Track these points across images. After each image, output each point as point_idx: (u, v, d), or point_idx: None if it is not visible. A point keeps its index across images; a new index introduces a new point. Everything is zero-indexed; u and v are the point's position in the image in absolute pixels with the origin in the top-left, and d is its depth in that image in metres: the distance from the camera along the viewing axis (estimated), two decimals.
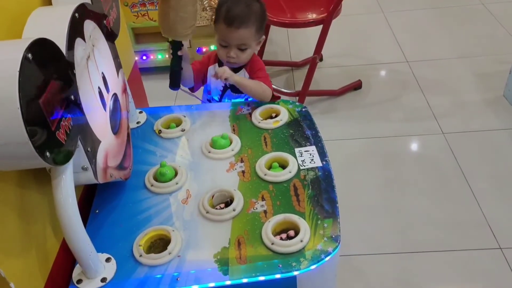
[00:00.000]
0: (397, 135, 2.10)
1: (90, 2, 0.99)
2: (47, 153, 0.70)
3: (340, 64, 2.66)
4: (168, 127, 1.30)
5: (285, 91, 2.34)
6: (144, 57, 2.53)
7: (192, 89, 1.46)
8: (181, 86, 1.37)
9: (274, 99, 1.39)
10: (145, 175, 1.13)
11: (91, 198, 1.10)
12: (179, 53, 1.27)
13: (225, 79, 1.29)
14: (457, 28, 2.89)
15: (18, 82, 0.62)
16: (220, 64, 1.42)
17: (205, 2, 2.31)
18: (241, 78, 1.33)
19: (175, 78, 1.32)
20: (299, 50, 2.78)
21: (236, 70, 1.40)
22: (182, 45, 1.27)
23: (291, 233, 0.95)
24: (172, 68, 1.30)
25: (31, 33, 0.81)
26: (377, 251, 1.60)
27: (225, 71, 1.29)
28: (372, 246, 1.62)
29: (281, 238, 0.95)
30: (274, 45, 2.84)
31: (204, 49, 2.50)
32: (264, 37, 1.41)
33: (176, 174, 1.12)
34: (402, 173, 1.90)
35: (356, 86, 2.42)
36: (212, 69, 1.43)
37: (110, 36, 1.13)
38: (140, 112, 1.35)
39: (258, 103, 1.35)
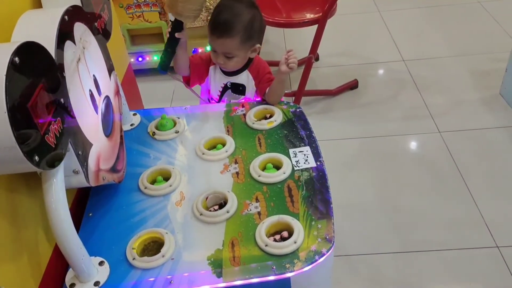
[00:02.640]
0: (394, 134, 2.10)
1: (80, 4, 0.99)
2: (36, 157, 0.69)
3: (337, 63, 2.66)
4: None
5: None
6: (140, 59, 2.52)
7: (188, 82, 1.43)
8: (172, 73, 1.35)
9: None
10: (139, 177, 1.13)
11: (84, 201, 1.10)
12: (177, 35, 1.25)
13: (291, 67, 1.27)
14: (453, 27, 2.89)
15: (4, 87, 0.62)
16: None
17: None
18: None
19: (165, 60, 1.29)
20: (295, 50, 2.74)
21: (238, 71, 1.39)
22: (183, 28, 1.25)
23: (285, 234, 0.95)
24: (165, 49, 1.28)
25: (20, 37, 0.81)
26: (374, 251, 1.59)
27: (296, 62, 1.27)
28: (368, 245, 1.61)
29: (274, 240, 0.94)
30: (270, 45, 2.84)
31: (200, 50, 2.49)
32: (259, 45, 1.37)
33: (170, 175, 1.12)
34: (398, 173, 1.90)
35: (353, 85, 2.42)
36: (213, 69, 1.42)
37: (102, 38, 1.12)
38: (134, 114, 1.35)
39: (252, 104, 1.35)
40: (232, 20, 1.27)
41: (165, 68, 1.31)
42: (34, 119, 0.69)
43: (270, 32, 2.73)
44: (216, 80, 1.43)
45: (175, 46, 1.28)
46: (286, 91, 2.34)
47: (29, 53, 0.70)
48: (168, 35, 1.26)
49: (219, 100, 1.45)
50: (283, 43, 2.88)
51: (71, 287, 0.90)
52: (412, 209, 1.73)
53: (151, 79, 2.45)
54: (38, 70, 0.73)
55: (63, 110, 0.80)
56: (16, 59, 0.65)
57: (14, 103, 0.64)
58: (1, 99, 0.62)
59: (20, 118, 0.66)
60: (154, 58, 2.52)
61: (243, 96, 1.43)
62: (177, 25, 1.24)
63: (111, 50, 1.19)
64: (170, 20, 1.23)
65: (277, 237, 0.95)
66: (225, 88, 1.43)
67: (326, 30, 2.15)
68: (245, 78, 1.40)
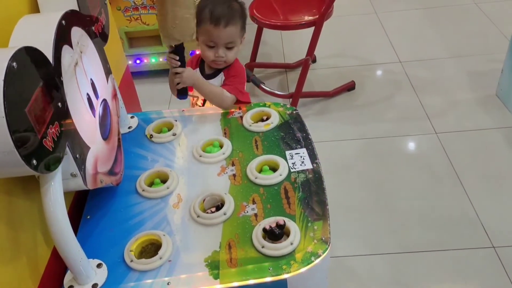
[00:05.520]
0: (391, 135, 2.11)
1: (78, 8, 1.00)
2: (34, 161, 0.70)
3: (334, 65, 2.67)
4: (160, 132, 1.30)
5: (279, 93, 2.34)
6: (138, 61, 2.53)
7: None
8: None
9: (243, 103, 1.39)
10: (137, 179, 1.13)
11: (82, 203, 1.10)
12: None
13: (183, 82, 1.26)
14: (450, 28, 2.91)
15: (2, 92, 0.63)
16: (202, 68, 1.43)
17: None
18: (202, 82, 1.32)
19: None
20: (292, 52, 2.78)
21: (215, 73, 1.41)
22: (184, 47, 1.23)
23: (281, 221, 0.95)
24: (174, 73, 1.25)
25: (17, 41, 0.81)
26: (370, 252, 1.60)
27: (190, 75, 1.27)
28: (365, 246, 1.62)
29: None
30: (268, 47, 2.85)
31: (197, 52, 2.50)
32: (245, 33, 1.41)
33: (167, 177, 1.12)
34: (395, 173, 1.91)
35: (350, 87, 2.43)
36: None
37: (100, 41, 1.13)
38: (132, 117, 1.35)
39: (249, 106, 1.36)
40: (229, 10, 1.33)
41: (185, 93, 1.31)
42: (32, 123, 0.70)
43: (268, 34, 2.74)
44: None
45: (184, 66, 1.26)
46: (283, 93, 2.35)
47: (26, 58, 0.71)
48: (176, 62, 1.23)
49: (203, 104, 1.47)
50: (280, 45, 2.89)
51: None
52: (408, 209, 1.74)
53: (149, 82, 2.46)
54: (35, 74, 0.73)
55: (61, 114, 0.81)
56: (14, 64, 0.66)
57: (12, 108, 0.65)
58: None
59: (18, 123, 0.66)
60: (152, 60, 2.53)
61: None
62: (181, 48, 1.21)
63: (109, 53, 1.19)
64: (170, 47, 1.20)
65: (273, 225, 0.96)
66: None
67: (323, 32, 2.17)
68: (219, 81, 1.42)
